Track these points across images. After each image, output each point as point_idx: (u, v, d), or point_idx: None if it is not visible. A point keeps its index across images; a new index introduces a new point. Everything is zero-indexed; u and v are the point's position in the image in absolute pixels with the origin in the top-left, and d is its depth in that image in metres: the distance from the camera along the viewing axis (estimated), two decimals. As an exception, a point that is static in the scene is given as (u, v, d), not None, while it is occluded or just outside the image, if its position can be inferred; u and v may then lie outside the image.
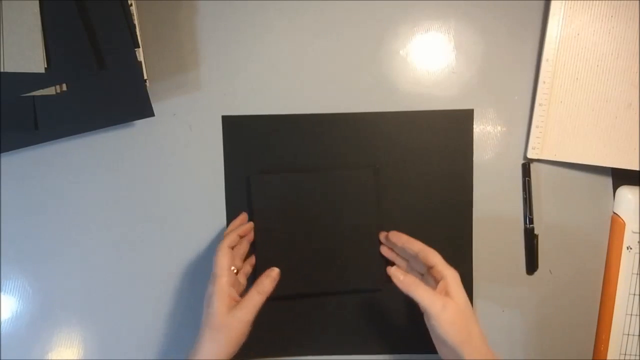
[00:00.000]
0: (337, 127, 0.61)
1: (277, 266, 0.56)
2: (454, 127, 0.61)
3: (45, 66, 0.54)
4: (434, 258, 0.53)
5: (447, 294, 0.50)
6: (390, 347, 0.61)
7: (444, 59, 0.61)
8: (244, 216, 0.60)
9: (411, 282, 0.50)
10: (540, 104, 0.60)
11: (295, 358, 0.61)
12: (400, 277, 0.51)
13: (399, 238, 0.57)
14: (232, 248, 0.55)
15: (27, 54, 0.53)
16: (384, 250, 0.60)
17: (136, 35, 0.56)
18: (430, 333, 0.51)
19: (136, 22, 0.57)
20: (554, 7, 0.58)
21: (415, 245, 0.55)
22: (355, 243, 0.59)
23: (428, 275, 0.54)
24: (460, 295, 0.50)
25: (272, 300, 0.60)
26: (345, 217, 0.59)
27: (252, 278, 0.61)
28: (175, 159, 0.61)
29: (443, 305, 0.48)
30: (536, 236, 0.60)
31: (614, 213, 0.61)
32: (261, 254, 0.59)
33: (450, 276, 0.51)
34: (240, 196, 0.61)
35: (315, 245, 0.59)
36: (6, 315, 0.61)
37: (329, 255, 0.59)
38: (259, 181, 0.59)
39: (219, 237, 0.61)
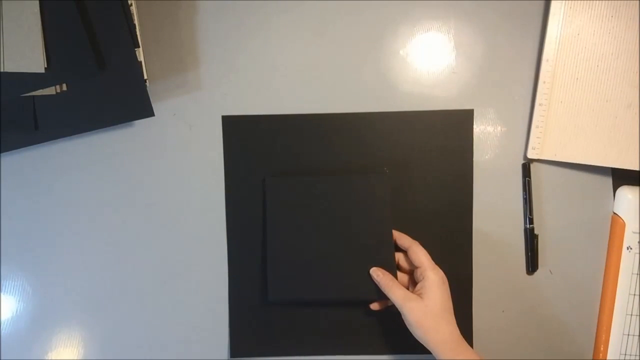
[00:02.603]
0: (337, 127, 0.61)
1: (287, 270, 0.57)
2: (454, 127, 0.61)
3: (45, 66, 0.54)
4: (421, 258, 0.55)
5: (420, 294, 0.53)
6: (391, 347, 0.61)
7: (444, 59, 0.61)
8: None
9: (386, 282, 0.54)
10: (540, 104, 0.60)
11: (295, 358, 0.61)
12: (379, 275, 0.55)
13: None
14: None
15: (27, 54, 0.53)
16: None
17: (136, 35, 0.56)
18: None
19: (136, 22, 0.57)
20: (554, 7, 0.59)
21: (405, 241, 0.57)
22: (368, 251, 0.58)
23: (416, 273, 0.55)
24: (434, 297, 0.52)
25: (278, 305, 0.60)
26: (358, 223, 0.58)
27: (263, 281, 0.60)
28: (175, 159, 0.61)
29: (411, 307, 0.52)
30: (536, 236, 0.60)
31: (614, 213, 0.61)
32: (272, 256, 0.58)
33: (430, 279, 0.53)
34: (240, 196, 0.61)
35: (325, 250, 0.58)
36: (6, 315, 0.61)
37: (338, 261, 0.57)
38: (274, 183, 0.59)
39: (219, 237, 0.61)
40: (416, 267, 0.55)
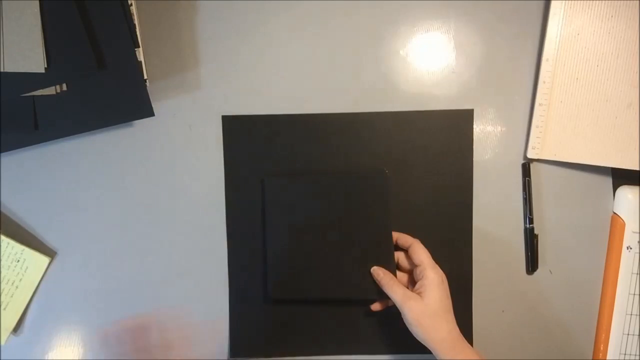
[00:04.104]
0: (337, 127, 0.61)
1: (286, 269, 0.57)
2: (454, 127, 0.61)
3: (45, 66, 0.54)
4: (421, 257, 0.55)
5: (420, 293, 0.53)
6: (391, 347, 0.61)
7: (444, 59, 0.61)
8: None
9: (387, 280, 0.55)
10: (540, 104, 0.60)
11: (295, 358, 0.61)
12: (380, 275, 0.56)
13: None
14: None
15: (27, 54, 0.53)
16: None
17: (136, 35, 0.56)
18: None
19: (136, 22, 0.57)
20: (554, 7, 0.59)
21: (406, 240, 0.57)
22: (367, 250, 0.58)
23: (416, 272, 0.56)
24: (433, 297, 0.52)
25: (278, 305, 0.60)
26: (357, 223, 0.58)
27: (263, 281, 0.61)
28: (175, 159, 0.61)
29: (410, 306, 0.52)
30: (536, 236, 0.60)
31: (614, 213, 0.61)
32: (272, 256, 0.58)
33: (430, 278, 0.53)
34: (240, 196, 0.61)
35: (325, 250, 0.58)
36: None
37: (338, 261, 0.58)
38: (274, 183, 0.59)
39: (219, 237, 0.61)
40: (416, 266, 0.55)
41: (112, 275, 0.61)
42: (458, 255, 0.61)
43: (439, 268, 0.54)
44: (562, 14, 0.58)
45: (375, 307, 0.59)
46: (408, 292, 0.53)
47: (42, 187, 0.61)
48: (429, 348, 0.52)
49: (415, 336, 0.53)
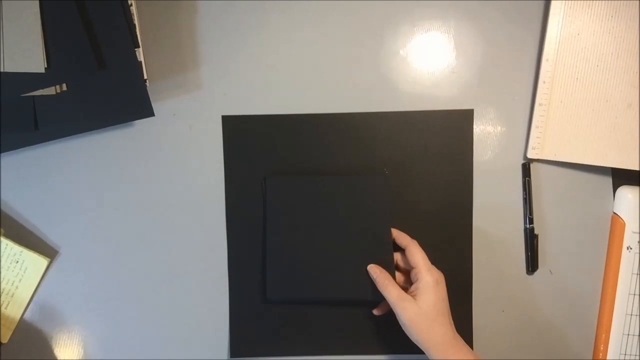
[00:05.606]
0: (337, 127, 0.61)
1: (287, 269, 0.57)
2: (454, 127, 0.61)
3: (45, 66, 0.54)
4: (417, 259, 0.55)
5: (414, 296, 0.53)
6: (391, 347, 0.61)
7: (444, 59, 0.61)
8: None
9: (382, 280, 0.55)
10: (540, 104, 0.60)
11: (296, 358, 0.61)
12: (376, 273, 0.56)
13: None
14: None
15: (27, 54, 0.53)
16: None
17: (136, 35, 0.56)
18: None
19: (136, 22, 0.57)
20: (554, 7, 0.59)
21: (403, 240, 0.57)
22: (367, 251, 0.58)
23: (412, 273, 0.56)
24: (427, 300, 0.52)
25: (280, 304, 0.60)
26: (357, 224, 0.58)
27: (263, 281, 0.60)
28: (175, 159, 0.61)
29: (404, 307, 0.52)
30: (536, 236, 0.60)
31: (614, 213, 0.61)
32: (271, 256, 0.58)
33: (424, 281, 0.53)
34: (240, 196, 0.61)
35: (324, 250, 0.58)
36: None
37: (337, 261, 0.58)
38: (274, 183, 0.59)
39: (219, 237, 0.61)
40: (412, 267, 0.55)
41: (112, 275, 0.61)
42: (458, 255, 0.61)
43: (435, 269, 0.54)
44: (562, 14, 0.58)
45: (377, 311, 0.59)
46: (402, 293, 0.53)
47: (42, 187, 0.61)
48: (422, 350, 0.52)
49: (409, 337, 0.53)
